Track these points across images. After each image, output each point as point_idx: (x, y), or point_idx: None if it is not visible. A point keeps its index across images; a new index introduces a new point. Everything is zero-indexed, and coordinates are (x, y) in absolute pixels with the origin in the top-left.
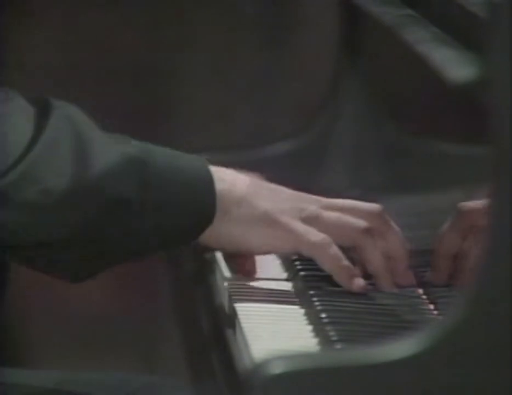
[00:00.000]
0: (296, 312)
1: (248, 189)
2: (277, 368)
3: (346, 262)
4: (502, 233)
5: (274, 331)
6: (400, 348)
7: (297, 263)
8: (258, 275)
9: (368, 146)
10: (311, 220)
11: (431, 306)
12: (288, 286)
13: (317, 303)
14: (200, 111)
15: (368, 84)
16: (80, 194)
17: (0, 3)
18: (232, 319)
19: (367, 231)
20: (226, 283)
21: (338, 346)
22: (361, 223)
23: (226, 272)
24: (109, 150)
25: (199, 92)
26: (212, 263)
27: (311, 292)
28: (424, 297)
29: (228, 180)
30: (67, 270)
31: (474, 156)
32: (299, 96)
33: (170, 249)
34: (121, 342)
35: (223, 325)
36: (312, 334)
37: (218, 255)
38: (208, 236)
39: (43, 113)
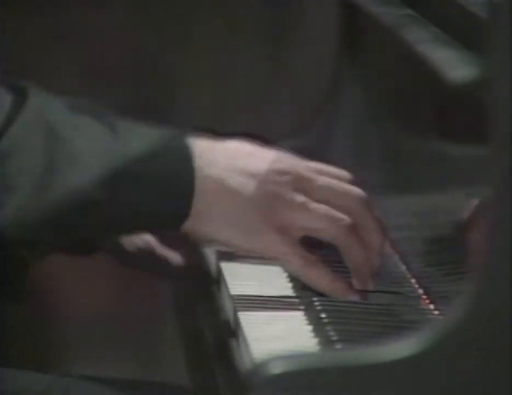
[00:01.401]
0: (296, 313)
1: (233, 184)
2: (277, 368)
3: (336, 278)
4: (502, 233)
5: (274, 331)
6: (400, 348)
7: None
8: (258, 276)
9: (368, 146)
10: (298, 209)
11: (431, 306)
12: (287, 286)
13: (317, 303)
14: (200, 111)
15: (368, 84)
16: (46, 197)
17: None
18: (232, 319)
19: (351, 228)
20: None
21: (338, 346)
22: (346, 220)
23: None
24: (82, 157)
25: (199, 92)
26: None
27: (311, 292)
28: (424, 297)
29: (212, 175)
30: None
31: (474, 156)
32: (299, 96)
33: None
34: (121, 343)
35: (224, 325)
36: (312, 334)
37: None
38: (189, 229)
39: (17, 103)
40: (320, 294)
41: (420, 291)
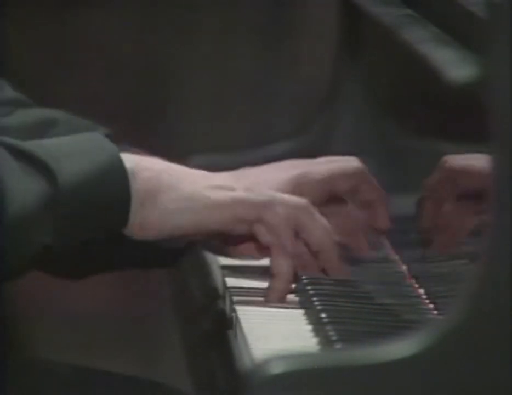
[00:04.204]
0: (296, 312)
1: (173, 173)
2: (277, 368)
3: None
4: (503, 233)
5: (274, 331)
6: (400, 348)
7: None
8: (257, 277)
9: (368, 147)
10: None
11: (431, 306)
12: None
13: (317, 303)
14: (200, 111)
15: (368, 84)
16: None
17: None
18: (232, 319)
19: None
20: (226, 283)
21: (338, 346)
22: (301, 201)
23: (226, 275)
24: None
25: (199, 93)
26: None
27: (311, 292)
28: (424, 296)
29: (151, 167)
30: None
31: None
32: (299, 97)
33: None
34: (121, 342)
35: (224, 325)
36: (312, 334)
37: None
38: (134, 227)
39: None
40: (321, 287)
41: (420, 291)
